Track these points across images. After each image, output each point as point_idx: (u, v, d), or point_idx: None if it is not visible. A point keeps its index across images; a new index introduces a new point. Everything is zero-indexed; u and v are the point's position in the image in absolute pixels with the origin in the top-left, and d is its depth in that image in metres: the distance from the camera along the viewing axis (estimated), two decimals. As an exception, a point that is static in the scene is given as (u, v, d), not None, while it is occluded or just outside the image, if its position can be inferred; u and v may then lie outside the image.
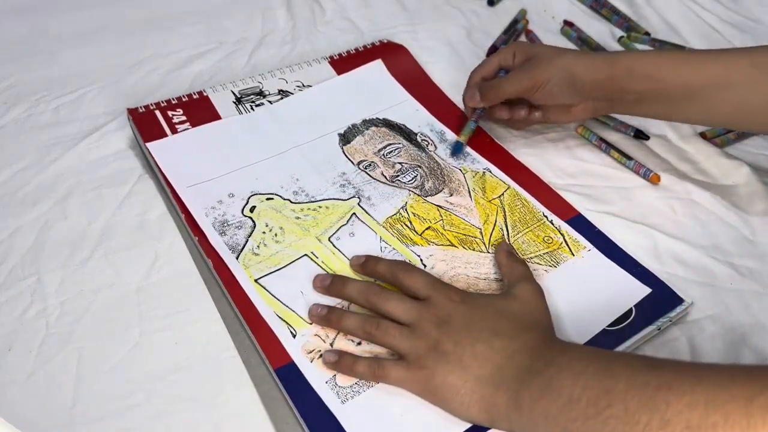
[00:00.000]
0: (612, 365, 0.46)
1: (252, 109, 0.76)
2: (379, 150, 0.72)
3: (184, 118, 0.74)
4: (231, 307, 0.59)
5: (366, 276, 0.60)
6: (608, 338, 0.56)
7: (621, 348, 0.56)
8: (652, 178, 0.70)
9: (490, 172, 0.70)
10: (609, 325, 0.57)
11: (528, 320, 0.53)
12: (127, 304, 0.60)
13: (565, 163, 0.73)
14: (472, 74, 0.74)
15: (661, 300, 0.59)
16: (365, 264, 0.60)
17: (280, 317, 0.57)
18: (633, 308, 0.58)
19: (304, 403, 0.52)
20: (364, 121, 0.75)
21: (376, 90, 0.80)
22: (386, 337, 0.53)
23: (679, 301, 0.59)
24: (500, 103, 0.73)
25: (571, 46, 0.89)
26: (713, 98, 0.64)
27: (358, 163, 0.71)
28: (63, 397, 0.53)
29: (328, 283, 0.59)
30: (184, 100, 0.76)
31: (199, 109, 0.75)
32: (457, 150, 0.72)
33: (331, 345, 0.56)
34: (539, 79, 0.68)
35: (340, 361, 0.54)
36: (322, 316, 0.57)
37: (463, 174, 0.70)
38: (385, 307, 0.55)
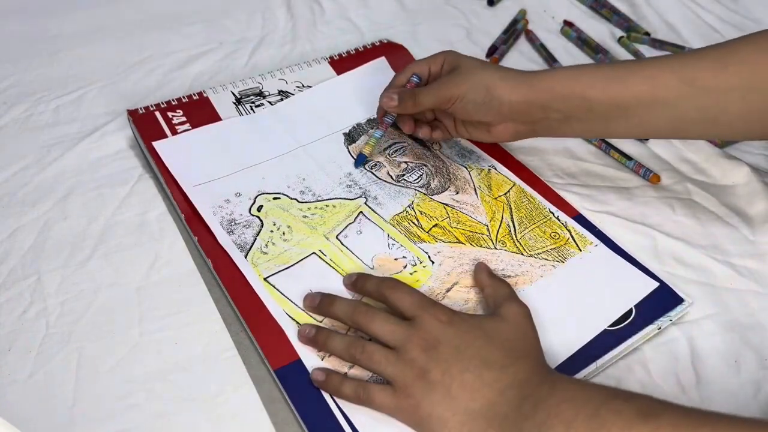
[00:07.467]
0: (601, 413, 0.45)
1: (252, 110, 0.76)
2: (385, 149, 0.72)
3: (184, 119, 0.74)
4: (231, 307, 0.59)
5: (358, 295, 0.58)
6: (608, 338, 0.56)
7: (622, 347, 0.56)
8: (652, 178, 0.70)
9: (495, 169, 0.70)
10: (609, 325, 0.57)
11: (518, 347, 0.51)
12: (127, 304, 0.60)
13: (565, 163, 0.73)
14: (396, 77, 0.70)
15: (661, 299, 0.59)
16: (356, 282, 0.58)
17: (289, 315, 0.57)
18: (633, 308, 0.58)
19: (305, 403, 0.52)
20: (369, 121, 0.75)
21: (380, 88, 0.79)
22: (371, 362, 0.52)
23: (679, 300, 0.59)
24: (423, 122, 0.70)
25: (570, 46, 0.89)
26: (646, 115, 0.61)
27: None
28: (63, 397, 0.53)
29: (317, 302, 0.57)
30: (184, 100, 0.76)
31: (199, 110, 0.75)
32: (359, 162, 0.70)
33: None
34: (453, 93, 0.64)
35: (327, 381, 0.53)
36: (310, 338, 0.55)
37: (468, 171, 0.70)
38: (371, 328, 0.53)
